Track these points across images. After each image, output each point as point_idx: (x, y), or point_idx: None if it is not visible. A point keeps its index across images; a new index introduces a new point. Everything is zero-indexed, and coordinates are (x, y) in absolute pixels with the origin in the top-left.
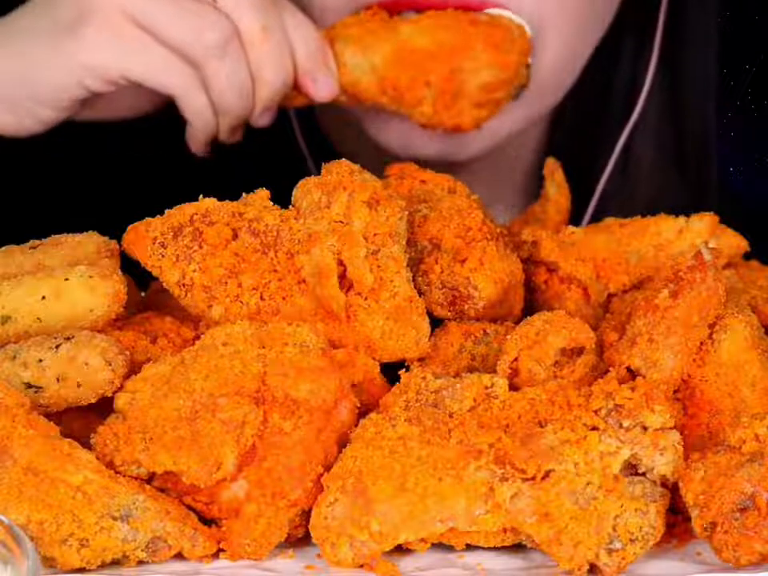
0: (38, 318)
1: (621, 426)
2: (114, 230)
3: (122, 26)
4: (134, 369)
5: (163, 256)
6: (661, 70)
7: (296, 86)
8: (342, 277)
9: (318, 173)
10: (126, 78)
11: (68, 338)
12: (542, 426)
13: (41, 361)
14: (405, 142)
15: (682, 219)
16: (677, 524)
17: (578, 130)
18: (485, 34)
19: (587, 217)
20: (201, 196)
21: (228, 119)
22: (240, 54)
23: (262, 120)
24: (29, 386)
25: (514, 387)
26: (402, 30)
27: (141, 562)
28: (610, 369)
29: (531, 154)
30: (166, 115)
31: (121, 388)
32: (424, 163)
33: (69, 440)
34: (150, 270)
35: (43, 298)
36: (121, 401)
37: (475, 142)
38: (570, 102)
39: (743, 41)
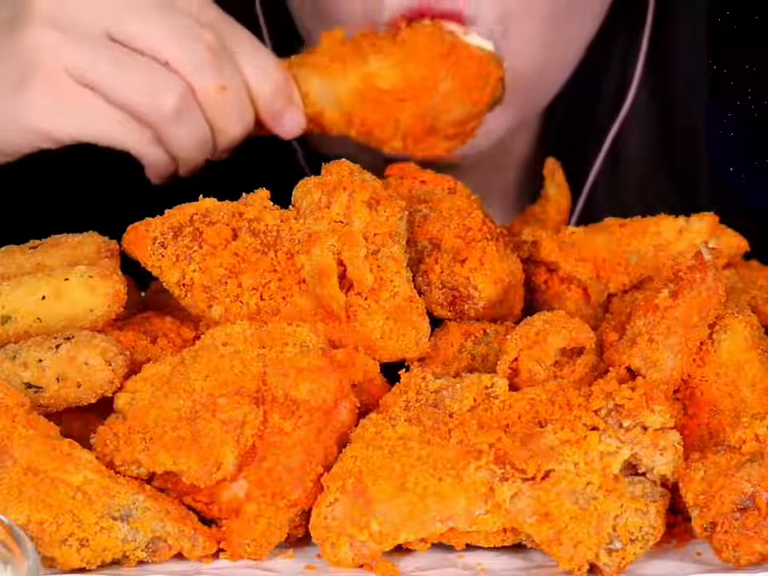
0: (38, 318)
1: (621, 426)
2: (114, 230)
3: (68, 86)
4: (134, 369)
5: (163, 256)
6: (649, 69)
7: (260, 123)
8: (342, 277)
9: (313, 173)
10: (76, 140)
11: (68, 338)
12: (541, 426)
13: (41, 361)
14: None
15: (682, 219)
16: (677, 524)
17: (567, 127)
18: (455, 70)
19: (576, 213)
20: (201, 196)
21: (187, 166)
22: (197, 112)
23: (222, 156)
24: (29, 386)
25: (514, 387)
26: (370, 62)
27: (141, 562)
28: (610, 369)
29: (522, 151)
30: None
31: (121, 388)
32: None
33: (69, 440)
34: (149, 270)
35: (43, 297)
36: (121, 401)
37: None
38: (560, 100)
39: (740, 40)
